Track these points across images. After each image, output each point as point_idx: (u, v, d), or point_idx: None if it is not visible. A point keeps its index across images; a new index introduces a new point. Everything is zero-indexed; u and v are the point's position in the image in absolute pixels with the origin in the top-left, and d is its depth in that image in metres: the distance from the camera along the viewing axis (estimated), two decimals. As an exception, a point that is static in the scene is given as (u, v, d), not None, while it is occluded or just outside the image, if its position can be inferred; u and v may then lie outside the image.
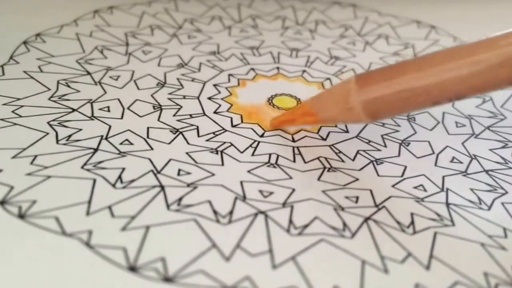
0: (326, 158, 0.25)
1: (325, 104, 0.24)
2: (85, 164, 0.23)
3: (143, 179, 0.22)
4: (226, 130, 0.26)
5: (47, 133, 0.24)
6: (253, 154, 0.24)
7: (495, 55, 0.21)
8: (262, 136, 0.26)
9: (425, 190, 0.23)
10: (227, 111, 0.27)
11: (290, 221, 0.21)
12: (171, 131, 0.25)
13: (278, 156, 0.24)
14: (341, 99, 0.23)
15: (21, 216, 0.20)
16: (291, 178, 0.23)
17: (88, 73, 0.29)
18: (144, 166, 0.23)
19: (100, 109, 0.26)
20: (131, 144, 0.24)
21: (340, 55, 0.33)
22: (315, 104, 0.24)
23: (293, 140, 0.25)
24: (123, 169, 0.22)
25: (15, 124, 0.24)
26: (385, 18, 0.38)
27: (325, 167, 0.24)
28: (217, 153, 0.24)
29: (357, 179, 0.24)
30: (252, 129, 0.26)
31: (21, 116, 0.25)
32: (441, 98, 0.22)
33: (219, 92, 0.28)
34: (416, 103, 0.22)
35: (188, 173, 0.23)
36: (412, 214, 0.22)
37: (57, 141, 0.24)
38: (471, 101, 0.30)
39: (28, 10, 0.34)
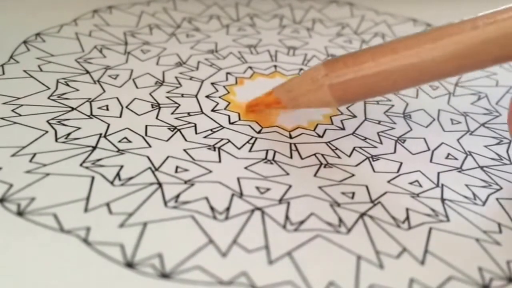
0: (322, 155, 0.25)
1: (295, 91, 0.25)
2: (83, 161, 0.23)
3: (141, 177, 0.22)
4: (223, 127, 0.26)
5: (46, 132, 0.24)
6: (250, 151, 0.25)
7: (470, 37, 0.22)
8: (259, 132, 0.26)
9: (420, 186, 0.24)
10: (225, 109, 0.27)
11: (287, 217, 0.21)
12: (169, 128, 0.25)
13: (275, 152, 0.25)
14: (311, 85, 0.24)
15: (20, 213, 0.20)
16: (287, 174, 0.23)
17: (87, 72, 0.29)
18: (142, 164, 0.23)
19: (99, 107, 0.26)
20: (130, 142, 0.24)
21: (337, 53, 0.34)
22: (285, 92, 0.25)
23: (290, 137, 0.26)
24: (121, 166, 0.23)
25: (15, 123, 0.25)
26: (382, 17, 0.39)
27: (321, 163, 0.24)
28: (214, 150, 0.24)
29: (353, 175, 0.24)
30: (249, 126, 0.26)
31: (20, 115, 0.25)
32: (405, 81, 0.23)
33: (217, 91, 0.29)
34: (382, 87, 0.24)
35: (186, 170, 0.23)
36: (407, 210, 0.22)
37: (56, 139, 0.24)
38: (467, 98, 0.30)
39: (28, 9, 0.34)
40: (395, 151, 0.26)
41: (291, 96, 0.25)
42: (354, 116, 0.28)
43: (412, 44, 0.23)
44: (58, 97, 0.27)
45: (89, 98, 0.27)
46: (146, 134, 0.25)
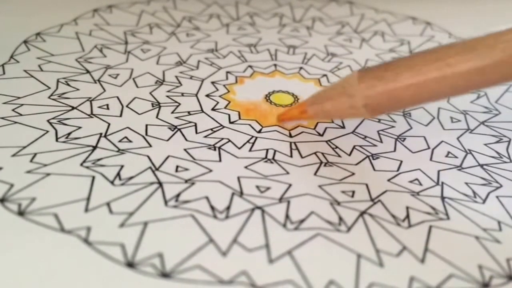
0: (322, 153, 0.25)
1: (333, 113, 0.24)
2: (84, 161, 0.23)
3: (142, 176, 0.22)
4: (223, 127, 0.26)
5: (47, 131, 0.24)
6: (250, 150, 0.25)
7: (499, 50, 0.21)
8: (259, 132, 0.26)
9: (420, 184, 0.24)
10: (225, 108, 0.27)
11: (287, 216, 0.21)
12: (169, 128, 0.25)
13: (275, 151, 0.25)
14: (343, 97, 0.24)
15: (21, 213, 0.20)
16: (288, 173, 0.23)
17: (88, 71, 0.29)
18: (142, 163, 0.23)
19: (99, 107, 0.26)
20: (130, 141, 0.24)
21: (337, 52, 0.34)
22: (322, 112, 0.25)
23: (290, 136, 0.26)
24: (122, 166, 0.23)
25: (15, 122, 0.25)
26: (381, 15, 0.39)
27: (321, 162, 0.24)
28: (214, 150, 0.24)
29: (353, 174, 0.24)
30: (249, 125, 0.26)
31: (21, 115, 0.25)
32: (440, 94, 0.22)
33: (217, 90, 0.29)
34: (416, 99, 0.23)
35: (186, 169, 0.23)
36: (407, 208, 0.22)
37: (57, 139, 0.24)
38: (466, 97, 0.30)
39: (28, 9, 0.34)
40: (395, 150, 0.26)
41: (327, 114, 0.25)
42: (354, 115, 0.28)
43: (449, 52, 0.22)
44: (59, 96, 0.27)
45: (90, 98, 0.27)
46: (146, 134, 0.25)
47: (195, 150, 0.24)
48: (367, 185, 0.23)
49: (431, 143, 0.26)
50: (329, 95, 0.24)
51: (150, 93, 0.28)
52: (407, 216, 0.22)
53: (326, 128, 0.27)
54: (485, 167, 0.25)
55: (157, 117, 0.26)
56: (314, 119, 0.26)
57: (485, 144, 0.27)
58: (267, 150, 0.25)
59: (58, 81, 0.28)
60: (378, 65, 0.23)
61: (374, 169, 0.24)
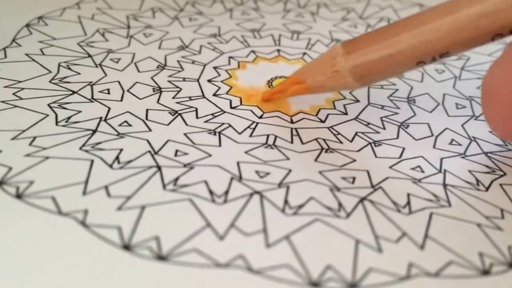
0: (324, 139, 0.25)
1: (313, 71, 0.25)
2: (83, 145, 0.23)
3: (140, 160, 0.22)
4: (224, 112, 0.26)
5: (47, 115, 0.24)
6: (251, 135, 0.24)
7: (476, 9, 0.21)
8: (260, 117, 0.26)
9: (422, 171, 0.23)
10: (227, 93, 0.27)
11: (286, 201, 0.21)
12: (170, 113, 0.25)
13: (276, 137, 0.24)
14: (328, 65, 0.24)
15: (18, 196, 0.20)
16: (288, 159, 0.23)
17: (89, 55, 0.29)
18: (141, 147, 0.23)
19: (100, 91, 0.26)
20: (130, 125, 0.24)
21: (342, 38, 0.33)
22: (303, 72, 0.25)
23: (292, 122, 0.26)
24: (121, 150, 0.23)
25: (16, 106, 0.25)
26: (387, 1, 0.38)
27: (322, 148, 0.24)
28: (215, 134, 0.24)
29: (354, 160, 0.24)
30: (251, 110, 0.26)
31: (21, 99, 0.25)
32: (424, 56, 0.23)
33: (219, 75, 0.28)
34: (401, 63, 0.23)
35: (185, 153, 0.23)
36: (408, 195, 0.22)
37: (57, 122, 0.24)
38: (473, 82, 0.30)
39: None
40: (398, 137, 0.25)
41: (308, 78, 0.25)
42: (357, 101, 0.27)
43: (429, 17, 0.22)
44: (60, 80, 0.27)
45: (91, 82, 0.27)
46: (146, 118, 0.25)
47: (195, 134, 0.24)
48: (368, 172, 0.23)
49: (435, 130, 0.26)
50: (315, 64, 0.25)
51: (152, 78, 0.28)
52: (408, 203, 0.22)
53: (328, 115, 0.26)
54: (489, 155, 0.25)
55: (158, 102, 0.26)
56: (306, 90, 0.25)
57: (490, 132, 0.26)
58: (267, 135, 0.24)
59: (59, 65, 0.28)
60: (360, 35, 0.24)
61: (376, 156, 0.24)
